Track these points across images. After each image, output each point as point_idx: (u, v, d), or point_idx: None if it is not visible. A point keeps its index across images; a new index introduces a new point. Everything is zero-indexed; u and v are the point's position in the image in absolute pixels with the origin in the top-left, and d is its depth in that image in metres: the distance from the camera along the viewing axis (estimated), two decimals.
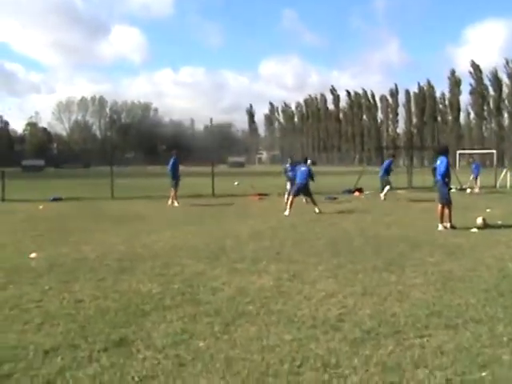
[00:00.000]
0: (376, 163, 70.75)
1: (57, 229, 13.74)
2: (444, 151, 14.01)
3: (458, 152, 68.95)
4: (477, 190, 27.73)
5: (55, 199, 23.07)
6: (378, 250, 10.10)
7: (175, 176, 20.98)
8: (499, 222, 14.18)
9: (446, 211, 13.37)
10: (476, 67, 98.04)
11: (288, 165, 20.99)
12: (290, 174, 20.23)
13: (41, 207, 19.84)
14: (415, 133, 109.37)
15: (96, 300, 6.60)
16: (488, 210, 16.91)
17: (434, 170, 13.96)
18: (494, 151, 57.90)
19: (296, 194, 17.21)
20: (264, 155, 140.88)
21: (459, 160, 66.32)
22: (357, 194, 25.74)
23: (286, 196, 19.78)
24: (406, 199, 22.56)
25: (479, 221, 13.59)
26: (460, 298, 6.65)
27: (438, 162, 13.63)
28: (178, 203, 20.20)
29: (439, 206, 13.48)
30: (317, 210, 16.90)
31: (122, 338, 5.22)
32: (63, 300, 6.62)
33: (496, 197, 24.05)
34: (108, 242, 11.42)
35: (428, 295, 6.79)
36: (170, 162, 21.26)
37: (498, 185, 31.17)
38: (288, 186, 20.22)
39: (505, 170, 32.87)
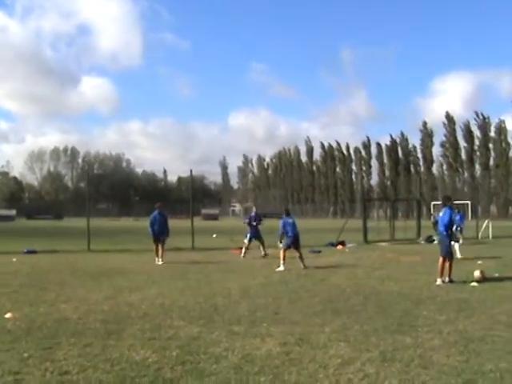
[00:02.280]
0: (353, 215, 70.88)
1: (33, 284, 12.82)
2: (446, 201, 13.50)
3: (432, 203, 69.30)
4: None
5: (29, 252, 21.97)
6: (381, 308, 9.47)
7: (154, 231, 18.54)
8: (496, 275, 13.79)
9: (447, 265, 12.83)
10: (450, 119, 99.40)
11: (253, 214, 21.65)
12: (253, 223, 21.23)
13: (14, 260, 18.84)
14: (389, 184, 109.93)
15: (84, 371, 5.79)
16: (479, 262, 16.44)
17: (436, 222, 13.48)
18: (469, 202, 58.34)
19: (288, 248, 16.57)
20: (237, 207, 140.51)
21: (433, 211, 66.39)
22: (340, 247, 25.13)
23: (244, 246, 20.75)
24: (391, 252, 22.01)
25: (477, 274, 13.11)
26: (488, 362, 6.06)
27: (441, 214, 13.20)
28: (162, 261, 18.02)
29: (440, 259, 12.93)
30: (302, 266, 16.21)
31: None
32: (46, 371, 5.80)
33: (481, 248, 23.67)
34: (89, 299, 10.59)
35: (453, 360, 6.17)
36: (151, 216, 18.97)
37: (480, 235, 30.93)
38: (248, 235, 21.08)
39: (486, 221, 32.71)
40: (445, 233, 12.97)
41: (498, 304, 9.80)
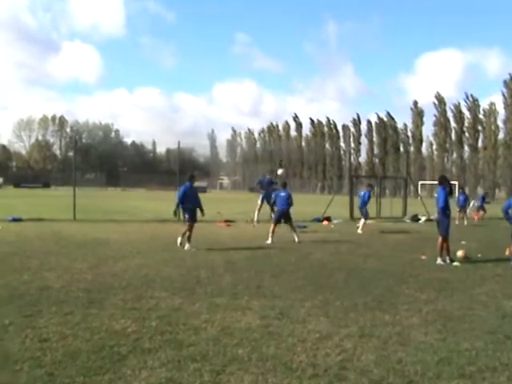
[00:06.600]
0: (340, 192, 71.02)
1: (17, 252, 12.79)
2: (441, 181, 13.45)
3: (420, 182, 69.71)
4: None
5: (15, 219, 21.86)
6: (363, 285, 9.54)
7: (185, 205, 14.94)
8: (479, 256, 13.88)
9: (445, 245, 12.92)
10: (441, 99, 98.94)
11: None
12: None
13: None
14: (377, 162, 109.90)
15: (64, 339, 5.83)
16: (463, 243, 16.51)
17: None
18: (456, 182, 58.70)
19: (278, 222, 16.63)
20: (225, 181, 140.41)
21: (421, 190, 66.80)
22: (325, 222, 25.19)
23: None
24: (377, 229, 22.10)
25: (460, 254, 13.30)
26: (465, 340, 6.12)
27: (436, 195, 13.31)
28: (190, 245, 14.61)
29: (440, 238, 12.98)
30: (296, 239, 16.34)
31: None
32: (26, 338, 5.83)
33: (466, 228, 23.78)
34: (73, 268, 10.60)
35: (430, 338, 6.24)
36: (182, 189, 14.99)
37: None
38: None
39: (472, 202, 32.89)
40: (442, 213, 13.02)
41: (479, 284, 9.92)
